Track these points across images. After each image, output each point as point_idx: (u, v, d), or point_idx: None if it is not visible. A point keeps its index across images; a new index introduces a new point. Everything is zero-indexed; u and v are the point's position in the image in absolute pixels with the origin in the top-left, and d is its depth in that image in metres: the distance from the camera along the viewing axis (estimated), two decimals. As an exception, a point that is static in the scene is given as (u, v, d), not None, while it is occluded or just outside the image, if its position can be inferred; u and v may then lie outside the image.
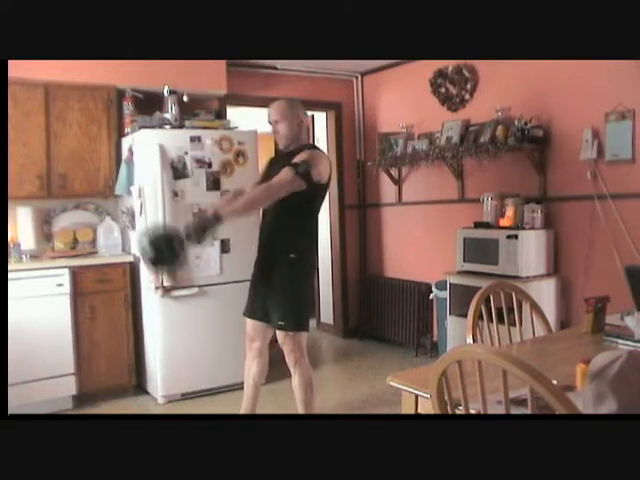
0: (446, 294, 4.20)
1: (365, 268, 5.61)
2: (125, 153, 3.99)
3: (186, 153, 3.89)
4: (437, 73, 4.68)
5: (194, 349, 3.92)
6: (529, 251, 3.76)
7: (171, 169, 3.84)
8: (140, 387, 4.09)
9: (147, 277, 3.82)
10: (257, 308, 3.04)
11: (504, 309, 2.43)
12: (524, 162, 4.00)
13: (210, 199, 3.80)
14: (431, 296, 4.68)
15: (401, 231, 5.22)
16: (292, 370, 2.98)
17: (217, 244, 3.98)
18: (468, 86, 4.47)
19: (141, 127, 3.85)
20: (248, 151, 4.12)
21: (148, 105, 4.11)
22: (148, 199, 3.77)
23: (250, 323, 3.10)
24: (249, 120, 4.67)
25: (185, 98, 4.08)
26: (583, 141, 3.67)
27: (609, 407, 1.29)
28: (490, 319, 2.25)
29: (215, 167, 3.99)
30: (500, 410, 1.32)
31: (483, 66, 4.36)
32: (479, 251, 3.98)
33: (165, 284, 3.75)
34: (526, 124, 3.86)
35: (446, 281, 4.20)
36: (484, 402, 1.34)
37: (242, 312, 3.13)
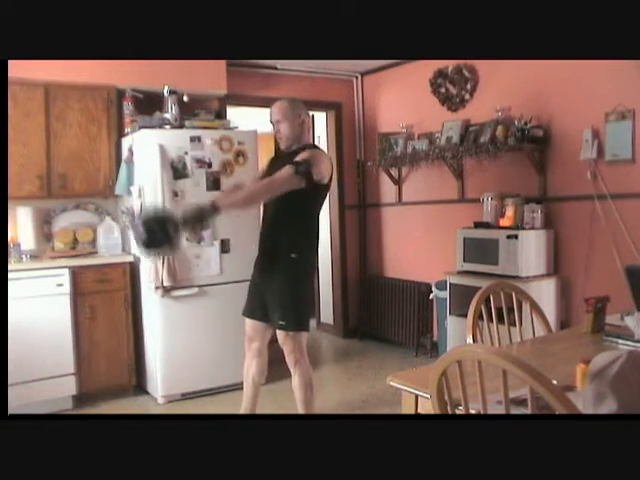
0: (446, 294, 4.20)
1: (365, 268, 5.61)
2: (125, 153, 3.99)
3: (186, 153, 3.89)
4: (437, 73, 4.68)
5: (194, 349, 3.92)
6: (529, 251, 3.76)
7: (171, 169, 3.84)
8: (140, 387, 4.09)
9: (147, 277, 3.82)
10: (257, 308, 3.04)
11: (504, 309, 2.43)
12: (524, 162, 4.00)
13: (210, 199, 3.80)
14: (431, 296, 4.68)
15: (401, 231, 5.22)
16: (292, 370, 2.98)
17: (217, 244, 3.98)
18: (468, 86, 4.47)
19: (141, 127, 3.85)
20: (248, 151, 4.12)
21: (148, 105, 4.11)
22: (148, 199, 3.77)
23: (249, 323, 3.10)
24: (249, 120, 4.67)
25: (185, 98, 4.08)
26: (583, 141, 3.67)
27: (609, 407, 1.29)
28: (490, 319, 2.25)
29: (215, 167, 3.99)
30: (500, 410, 1.32)
31: (483, 66, 4.36)
32: (479, 251, 3.98)
33: (165, 284, 3.75)
34: (526, 124, 3.86)
35: (446, 281, 4.20)
36: (484, 402, 1.34)
37: (241, 312, 3.13)
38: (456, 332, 4.05)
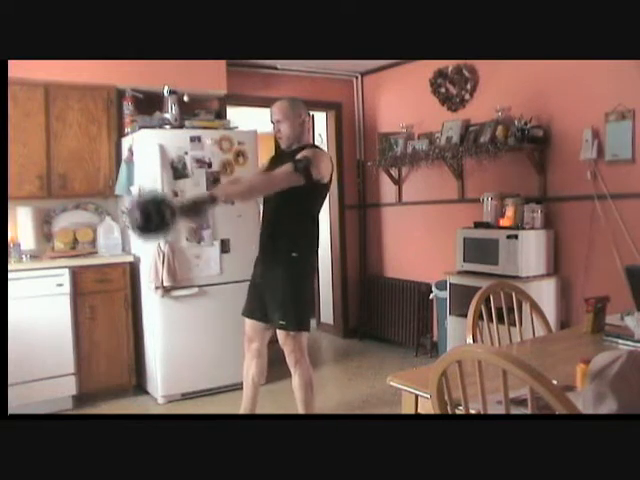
0: (446, 294, 4.20)
1: (365, 268, 5.61)
2: (125, 153, 3.99)
3: (186, 153, 3.89)
4: (437, 73, 4.68)
5: (194, 349, 3.92)
6: (529, 251, 3.76)
7: (171, 169, 3.84)
8: (140, 387, 4.09)
9: (147, 277, 3.82)
10: (256, 308, 3.04)
11: (504, 309, 2.43)
12: (524, 162, 4.00)
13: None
14: (431, 296, 4.68)
15: (401, 231, 5.22)
16: (292, 370, 2.98)
17: (217, 244, 3.98)
18: (468, 86, 4.47)
19: (141, 127, 3.85)
20: (248, 151, 4.12)
21: (148, 105, 4.11)
22: (148, 199, 3.76)
23: (249, 323, 3.10)
24: (249, 120, 4.67)
25: (185, 98, 4.08)
26: (583, 141, 3.67)
27: (609, 407, 1.29)
28: (490, 319, 2.25)
29: (215, 167, 3.99)
30: (500, 410, 1.32)
31: (483, 66, 4.36)
32: (479, 251, 3.98)
33: (165, 284, 3.75)
34: (526, 124, 3.86)
35: (446, 281, 4.20)
36: (484, 402, 1.34)
37: (241, 312, 3.13)
38: (456, 332, 4.05)
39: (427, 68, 4.70)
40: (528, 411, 1.29)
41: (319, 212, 3.04)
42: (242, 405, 3.17)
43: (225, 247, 4.02)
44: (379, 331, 5.32)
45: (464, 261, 4.09)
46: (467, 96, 4.49)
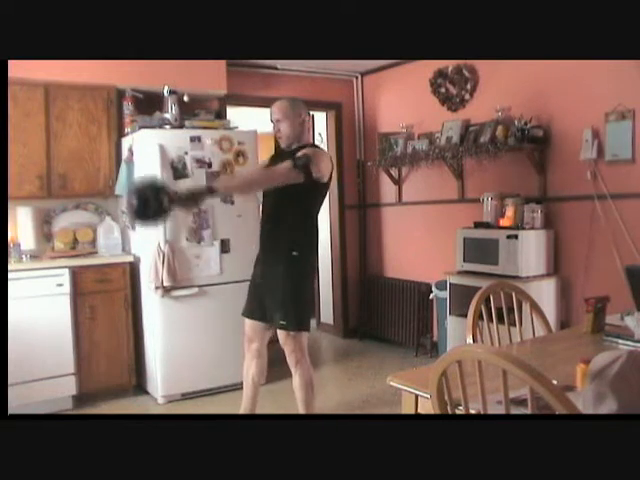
0: (446, 294, 4.20)
1: (365, 268, 5.61)
2: (125, 153, 3.99)
3: (186, 153, 3.89)
4: (437, 73, 4.68)
5: (194, 349, 3.92)
6: (529, 251, 3.76)
7: (171, 169, 3.84)
8: (140, 387, 4.09)
9: (147, 277, 3.82)
10: (256, 308, 3.04)
11: (504, 309, 2.43)
12: (524, 162, 4.00)
13: (210, 199, 3.79)
14: (431, 296, 4.68)
15: (401, 231, 5.22)
16: (293, 370, 2.98)
17: (217, 244, 3.98)
18: (468, 86, 4.47)
19: (141, 127, 3.85)
20: (248, 151, 4.12)
21: (148, 105, 4.11)
22: (148, 199, 3.76)
23: (249, 323, 3.10)
24: (249, 120, 4.67)
25: (185, 98, 4.08)
26: (583, 141, 3.67)
27: (609, 407, 1.29)
28: (490, 319, 2.25)
29: (215, 167, 3.98)
30: (500, 410, 1.32)
31: (483, 66, 4.36)
32: (479, 251, 3.98)
33: (165, 284, 3.75)
34: (526, 124, 3.86)
35: (446, 281, 4.20)
36: (484, 402, 1.34)
37: (241, 312, 3.13)
38: (456, 332, 4.05)
39: (427, 68, 4.70)
40: (528, 411, 1.29)
41: (318, 212, 3.04)
42: (242, 405, 3.17)
43: (225, 247, 4.02)
44: (379, 331, 5.32)
45: (464, 261, 4.09)
46: (467, 96, 4.49)
